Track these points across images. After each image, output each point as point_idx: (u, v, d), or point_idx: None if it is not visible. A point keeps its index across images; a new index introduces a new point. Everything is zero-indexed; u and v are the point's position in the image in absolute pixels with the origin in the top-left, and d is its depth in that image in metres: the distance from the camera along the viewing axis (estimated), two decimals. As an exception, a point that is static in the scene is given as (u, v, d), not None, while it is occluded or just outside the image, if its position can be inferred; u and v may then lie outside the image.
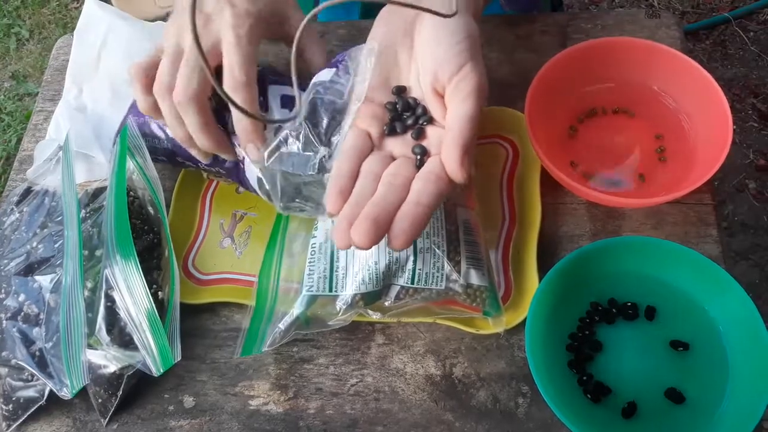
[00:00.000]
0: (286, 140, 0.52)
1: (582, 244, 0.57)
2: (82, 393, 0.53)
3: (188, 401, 0.55)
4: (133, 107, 0.58)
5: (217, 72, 0.53)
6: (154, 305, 0.53)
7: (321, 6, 0.44)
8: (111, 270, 0.54)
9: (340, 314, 0.52)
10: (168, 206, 0.61)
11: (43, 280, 0.56)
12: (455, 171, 0.45)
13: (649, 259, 0.55)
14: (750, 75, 1.66)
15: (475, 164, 0.49)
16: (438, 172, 0.46)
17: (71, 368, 0.53)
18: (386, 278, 0.52)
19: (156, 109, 0.54)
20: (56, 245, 0.57)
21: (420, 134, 0.49)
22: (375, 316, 0.53)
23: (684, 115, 0.62)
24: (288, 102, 0.56)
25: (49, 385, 0.53)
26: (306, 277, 0.53)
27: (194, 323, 0.58)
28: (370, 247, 0.42)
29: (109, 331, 0.53)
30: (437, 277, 0.51)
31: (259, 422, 0.54)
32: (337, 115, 0.51)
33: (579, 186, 0.56)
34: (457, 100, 0.47)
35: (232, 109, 0.54)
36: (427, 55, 0.49)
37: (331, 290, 0.52)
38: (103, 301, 0.53)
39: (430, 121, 0.49)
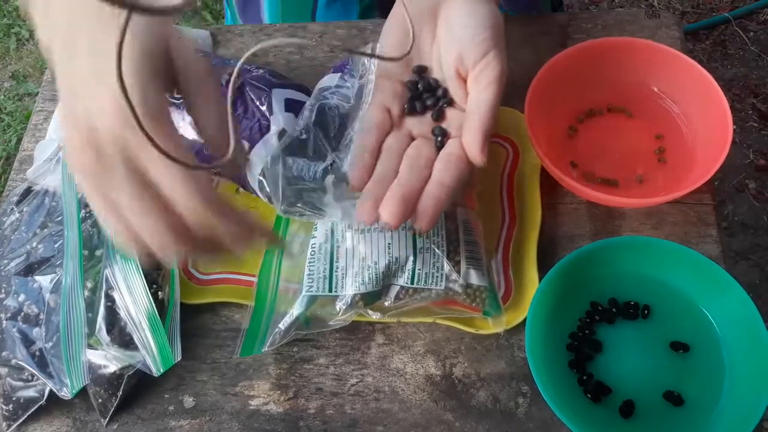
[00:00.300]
0: (292, 144, 0.52)
1: (582, 244, 0.57)
2: (82, 393, 0.53)
3: (188, 401, 0.55)
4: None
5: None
6: (154, 305, 0.53)
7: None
8: (111, 270, 0.54)
9: (340, 314, 0.52)
10: (168, 206, 0.61)
11: (43, 280, 0.56)
12: (476, 155, 0.47)
13: (649, 259, 0.55)
14: (750, 75, 1.66)
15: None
16: (459, 154, 0.47)
17: (71, 368, 0.53)
18: (386, 278, 0.52)
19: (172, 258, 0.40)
20: (56, 245, 0.57)
21: (440, 116, 0.50)
22: (375, 316, 0.53)
23: (684, 116, 0.62)
24: (292, 106, 0.56)
25: (49, 385, 0.53)
26: (306, 277, 0.53)
27: (194, 323, 0.58)
28: (398, 226, 0.45)
29: (109, 331, 0.53)
30: (437, 277, 0.51)
31: (259, 422, 0.54)
32: (345, 119, 0.52)
33: (579, 186, 0.56)
34: (480, 86, 0.48)
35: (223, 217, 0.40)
36: (454, 38, 0.50)
37: (331, 290, 0.52)
38: (103, 301, 0.53)
39: (450, 103, 0.50)
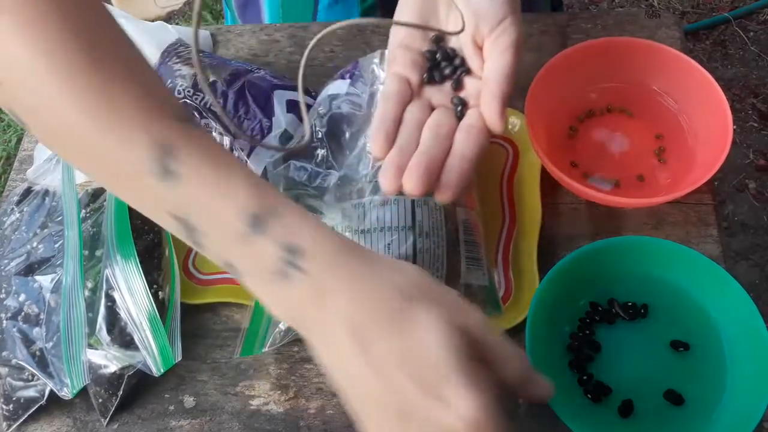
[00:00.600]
0: (300, 149, 0.52)
1: (582, 244, 0.57)
2: (83, 393, 0.53)
3: (189, 401, 0.55)
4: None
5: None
6: (154, 305, 0.53)
7: None
8: (111, 270, 0.54)
9: (341, 314, 0.52)
10: (168, 206, 0.61)
11: (44, 280, 0.56)
12: (495, 123, 0.47)
13: (649, 259, 0.55)
14: (750, 75, 1.66)
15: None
16: (479, 125, 0.48)
17: (71, 368, 0.53)
18: (386, 278, 0.52)
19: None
20: (56, 245, 0.57)
21: (459, 85, 0.50)
22: (375, 316, 0.53)
23: (684, 115, 0.62)
24: (293, 107, 0.56)
25: (50, 385, 0.53)
26: (306, 277, 0.53)
27: (195, 323, 0.58)
28: (422, 196, 0.45)
29: (109, 331, 0.53)
30: (437, 277, 0.51)
31: (259, 422, 0.54)
32: (358, 128, 0.52)
33: (579, 186, 0.56)
34: (496, 53, 0.48)
35: None
36: (469, 6, 0.50)
37: (331, 290, 0.52)
38: (103, 301, 0.54)
39: (468, 71, 0.50)
